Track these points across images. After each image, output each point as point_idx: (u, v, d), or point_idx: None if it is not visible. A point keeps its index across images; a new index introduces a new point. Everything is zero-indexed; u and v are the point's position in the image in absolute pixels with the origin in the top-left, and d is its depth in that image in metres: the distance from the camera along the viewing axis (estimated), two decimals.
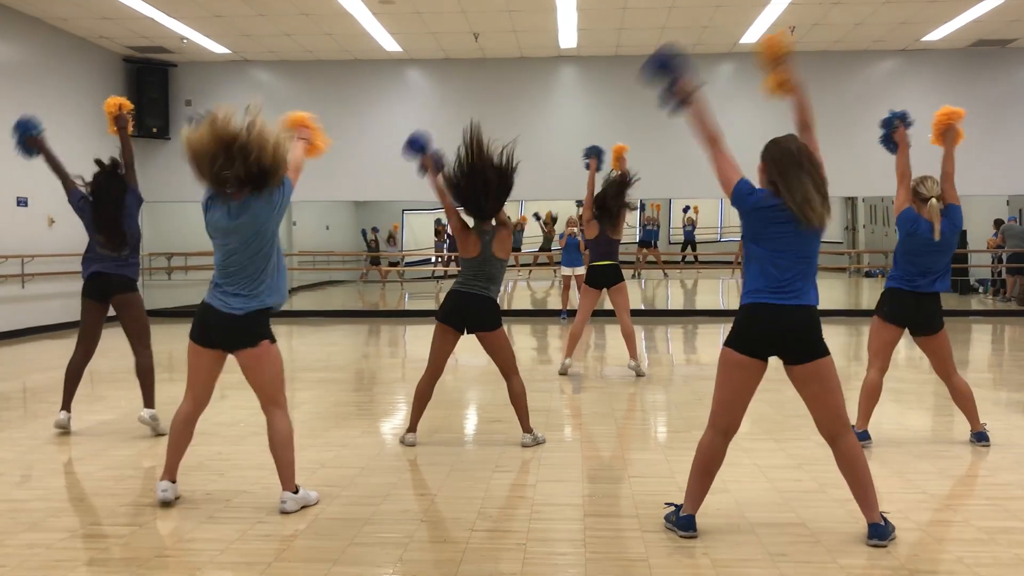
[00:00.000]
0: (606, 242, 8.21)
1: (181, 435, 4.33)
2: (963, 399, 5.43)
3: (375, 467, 5.02)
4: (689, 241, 24.21)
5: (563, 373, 8.40)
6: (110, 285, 5.86)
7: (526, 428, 5.54)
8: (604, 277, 8.23)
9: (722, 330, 12.77)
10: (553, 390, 7.66)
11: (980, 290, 18.09)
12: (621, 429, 6.09)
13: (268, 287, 4.17)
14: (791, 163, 3.56)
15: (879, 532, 3.67)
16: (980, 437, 5.43)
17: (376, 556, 3.63)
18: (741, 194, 3.66)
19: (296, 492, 4.26)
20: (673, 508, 3.93)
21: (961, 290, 17.72)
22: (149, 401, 5.91)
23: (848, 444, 3.71)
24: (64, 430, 5.90)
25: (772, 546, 3.67)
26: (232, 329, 4.14)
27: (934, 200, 5.11)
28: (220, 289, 4.16)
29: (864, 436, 5.31)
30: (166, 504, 4.28)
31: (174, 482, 4.34)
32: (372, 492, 4.51)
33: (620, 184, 8.06)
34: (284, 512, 4.17)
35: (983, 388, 7.55)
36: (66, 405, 5.94)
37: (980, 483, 4.63)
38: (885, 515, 3.74)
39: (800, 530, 3.88)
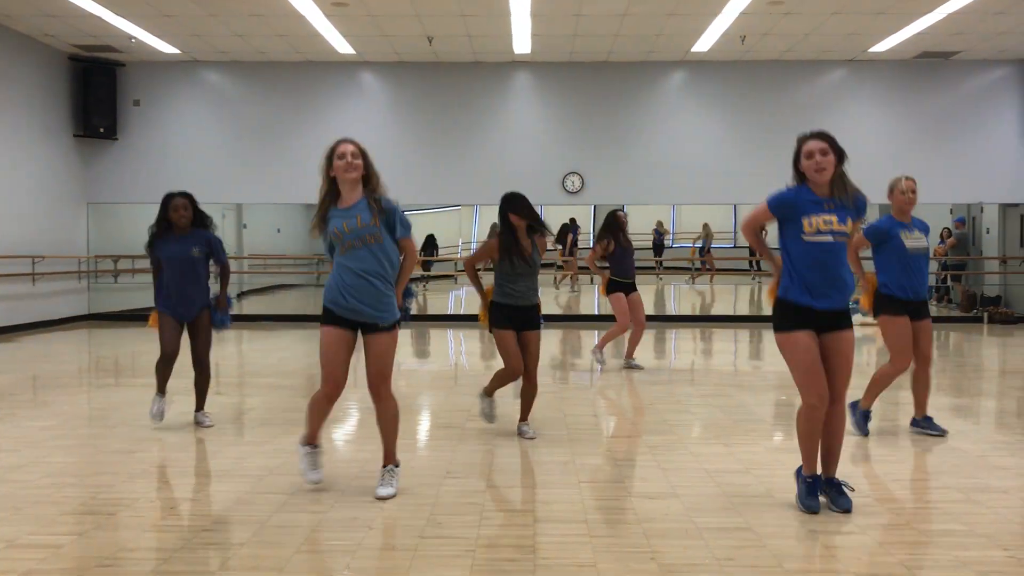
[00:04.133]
0: (625, 255, 8.96)
1: (321, 410, 4.56)
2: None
3: (323, 474, 4.97)
4: (657, 246, 24.38)
5: (632, 367, 9.16)
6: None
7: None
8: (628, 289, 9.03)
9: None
10: (507, 394, 7.65)
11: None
12: (571, 434, 6.11)
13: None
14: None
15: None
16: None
17: (323, 564, 3.59)
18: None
19: (398, 465, 4.63)
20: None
21: None
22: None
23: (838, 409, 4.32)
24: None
25: (719, 550, 3.71)
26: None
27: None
28: None
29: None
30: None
31: (317, 446, 4.63)
32: (320, 499, 4.47)
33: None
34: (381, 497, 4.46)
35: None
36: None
37: (921, 487, 4.73)
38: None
39: (747, 535, 3.92)
